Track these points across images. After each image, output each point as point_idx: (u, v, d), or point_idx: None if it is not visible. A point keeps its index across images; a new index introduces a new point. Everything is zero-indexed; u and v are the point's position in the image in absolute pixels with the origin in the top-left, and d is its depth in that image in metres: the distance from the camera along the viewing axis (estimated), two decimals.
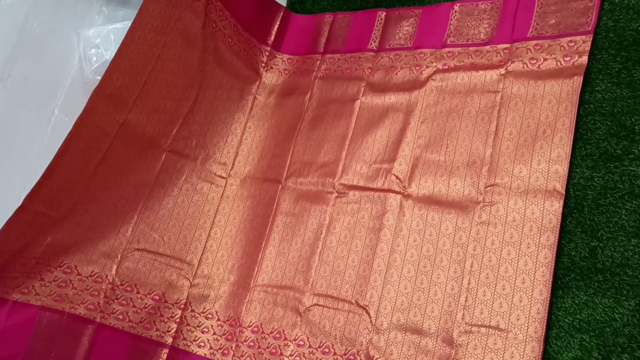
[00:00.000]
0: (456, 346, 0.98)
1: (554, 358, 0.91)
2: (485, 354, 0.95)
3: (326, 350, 1.10)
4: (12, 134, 1.41)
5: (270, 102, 1.46)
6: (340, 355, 1.08)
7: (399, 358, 1.02)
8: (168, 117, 1.32)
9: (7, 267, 1.12)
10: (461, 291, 1.01)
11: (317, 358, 1.10)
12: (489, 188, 1.06)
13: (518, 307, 0.95)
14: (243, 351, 1.18)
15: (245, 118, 1.45)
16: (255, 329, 1.20)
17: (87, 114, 1.14)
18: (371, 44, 1.36)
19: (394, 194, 1.16)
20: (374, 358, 1.04)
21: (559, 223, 0.97)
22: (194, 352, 1.22)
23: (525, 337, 0.92)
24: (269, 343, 1.16)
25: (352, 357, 1.07)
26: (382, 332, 1.06)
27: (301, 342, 1.13)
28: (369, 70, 1.33)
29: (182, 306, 1.26)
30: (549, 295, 0.93)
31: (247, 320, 1.21)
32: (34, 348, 1.13)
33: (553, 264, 0.95)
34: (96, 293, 1.20)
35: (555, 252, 0.95)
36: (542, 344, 0.91)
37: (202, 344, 1.22)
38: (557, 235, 0.96)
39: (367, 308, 1.09)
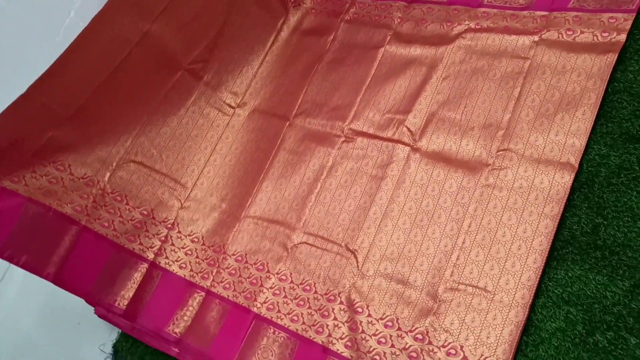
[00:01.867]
0: (439, 301, 0.96)
1: (537, 326, 0.89)
2: (468, 312, 0.93)
3: (307, 287, 1.08)
4: (26, 31, 1.38)
5: (292, 40, 1.42)
6: (320, 295, 1.06)
7: (380, 305, 1.00)
8: (193, 37, 1.30)
9: (3, 154, 1.09)
10: (454, 249, 0.99)
11: (297, 294, 1.09)
12: (500, 152, 1.03)
13: (509, 272, 0.93)
14: (223, 277, 1.17)
15: (265, 52, 1.41)
16: (239, 258, 1.18)
17: (106, 14, 1.11)
18: None
19: (403, 146, 1.13)
20: (355, 301, 1.03)
21: (567, 195, 0.94)
22: (174, 271, 1.20)
23: (511, 302, 0.91)
24: (251, 273, 1.15)
25: (332, 297, 1.05)
26: (367, 277, 1.04)
27: (283, 277, 1.12)
28: (399, 20, 1.29)
29: (169, 225, 1.25)
30: (542, 265, 0.91)
31: (232, 248, 1.20)
32: (14, 237, 1.11)
33: (552, 235, 0.92)
34: (85, 196, 1.18)
35: (557, 224, 0.93)
36: (527, 310, 0.89)
37: (184, 265, 1.20)
38: (562, 207, 0.94)
39: (355, 253, 1.07)
